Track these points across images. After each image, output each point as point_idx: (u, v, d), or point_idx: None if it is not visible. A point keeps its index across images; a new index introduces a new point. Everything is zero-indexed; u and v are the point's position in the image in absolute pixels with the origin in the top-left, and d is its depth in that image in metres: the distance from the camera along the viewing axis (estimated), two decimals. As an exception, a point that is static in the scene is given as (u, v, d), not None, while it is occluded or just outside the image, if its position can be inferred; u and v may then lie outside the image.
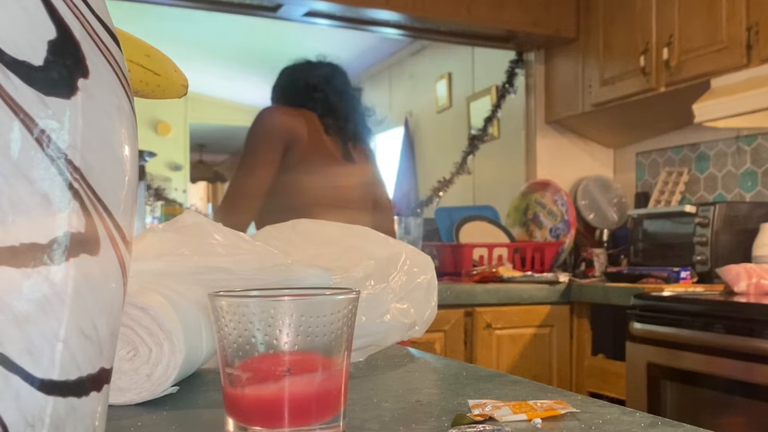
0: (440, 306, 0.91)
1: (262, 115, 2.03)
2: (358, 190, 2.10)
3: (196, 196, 8.34)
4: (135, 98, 0.42)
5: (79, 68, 0.34)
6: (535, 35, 3.18)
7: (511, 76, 3.51)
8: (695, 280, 2.43)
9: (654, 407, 2.04)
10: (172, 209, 3.29)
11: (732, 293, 2.10)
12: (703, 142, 2.96)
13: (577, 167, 3.40)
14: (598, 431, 0.53)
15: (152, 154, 2.72)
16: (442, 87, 4.38)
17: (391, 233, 2.22)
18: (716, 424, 1.86)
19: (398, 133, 4.76)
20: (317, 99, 2.08)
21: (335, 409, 0.49)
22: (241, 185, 1.99)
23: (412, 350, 0.93)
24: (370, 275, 0.80)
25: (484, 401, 0.60)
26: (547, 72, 3.37)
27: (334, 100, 2.09)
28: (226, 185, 6.13)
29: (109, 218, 0.35)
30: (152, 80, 0.66)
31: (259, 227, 2.00)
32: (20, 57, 0.32)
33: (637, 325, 2.12)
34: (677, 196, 3.01)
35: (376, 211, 2.18)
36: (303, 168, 1.98)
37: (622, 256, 3.02)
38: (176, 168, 6.21)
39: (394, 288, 0.82)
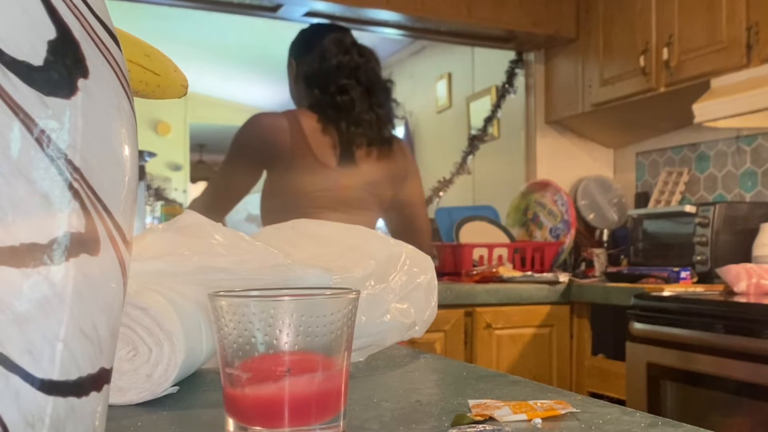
0: (440, 306, 0.91)
1: (247, 124, 1.94)
2: (354, 192, 1.98)
3: (196, 196, 8.32)
4: (135, 98, 0.42)
5: (79, 68, 0.34)
6: (535, 35, 3.18)
7: (511, 76, 3.51)
8: (695, 280, 2.43)
9: (654, 407, 2.04)
10: (172, 209, 3.29)
11: (732, 293, 2.10)
12: (703, 142, 2.96)
13: (577, 167, 3.40)
14: (598, 431, 0.53)
15: (152, 154, 2.72)
16: (442, 87, 4.38)
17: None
18: (716, 424, 1.86)
19: (398, 133, 4.76)
20: (338, 103, 1.91)
21: (335, 409, 0.49)
22: (218, 187, 1.99)
23: (412, 350, 0.93)
24: (370, 275, 0.80)
25: (484, 401, 0.60)
26: (547, 72, 3.37)
27: (357, 105, 1.92)
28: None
29: (109, 218, 0.35)
30: (152, 80, 0.66)
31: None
32: (20, 57, 0.32)
33: (637, 325, 2.12)
34: (677, 196, 3.01)
35: (408, 234, 2.01)
36: (292, 173, 1.92)
37: (622, 256, 3.02)
38: (176, 168, 6.21)
39: (394, 288, 0.82)
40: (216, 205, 1.95)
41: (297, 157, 1.90)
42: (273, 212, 1.94)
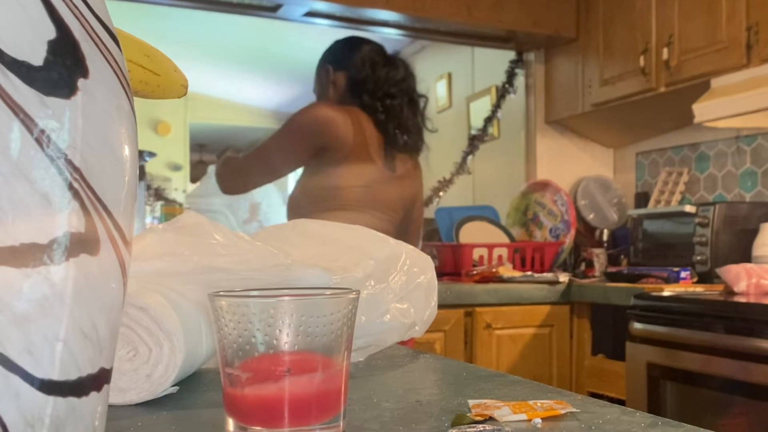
0: (440, 306, 0.91)
1: (311, 111, 2.01)
2: (394, 193, 2.08)
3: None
4: (135, 98, 0.42)
5: (79, 68, 0.34)
6: (535, 35, 3.18)
7: (511, 76, 3.51)
8: (695, 280, 2.43)
9: (654, 407, 2.04)
10: (172, 209, 3.29)
11: (732, 293, 2.10)
12: (703, 142, 2.96)
13: (577, 167, 3.40)
14: (598, 431, 0.53)
15: (152, 154, 2.72)
16: (442, 87, 4.37)
17: None
18: (716, 424, 1.86)
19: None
20: (388, 107, 2.05)
21: (335, 409, 0.49)
22: (260, 159, 2.05)
23: (412, 350, 0.93)
24: (370, 275, 0.80)
25: (484, 401, 0.60)
26: (547, 72, 3.37)
27: (404, 111, 2.07)
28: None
29: (109, 218, 0.35)
30: (152, 80, 0.66)
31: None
32: (20, 57, 0.32)
33: (637, 325, 2.12)
34: (677, 196, 3.01)
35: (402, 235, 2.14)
36: (342, 170, 1.98)
37: (622, 256, 3.02)
38: (176, 168, 6.20)
39: (394, 288, 0.82)
40: (254, 176, 2.05)
41: (355, 153, 1.99)
42: (313, 204, 1.97)
